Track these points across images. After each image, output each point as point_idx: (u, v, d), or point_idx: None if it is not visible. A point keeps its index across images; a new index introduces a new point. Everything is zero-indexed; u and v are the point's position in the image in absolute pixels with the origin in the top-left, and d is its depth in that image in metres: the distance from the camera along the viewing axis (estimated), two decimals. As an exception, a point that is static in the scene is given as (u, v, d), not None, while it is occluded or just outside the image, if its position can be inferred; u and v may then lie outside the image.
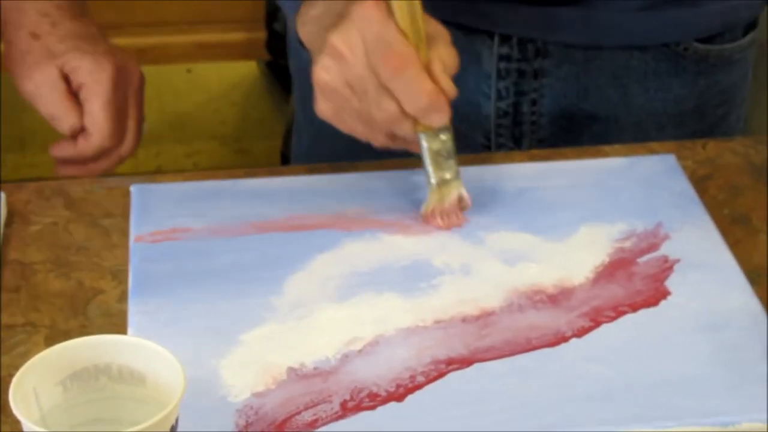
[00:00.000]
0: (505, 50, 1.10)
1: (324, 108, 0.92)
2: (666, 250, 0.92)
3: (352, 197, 0.96)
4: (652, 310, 0.86)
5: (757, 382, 0.80)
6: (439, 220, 0.94)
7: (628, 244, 0.92)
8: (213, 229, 0.92)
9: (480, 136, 1.14)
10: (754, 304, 0.87)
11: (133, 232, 0.92)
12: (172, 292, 0.86)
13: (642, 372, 0.81)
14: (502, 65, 1.10)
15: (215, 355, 0.81)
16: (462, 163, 0.98)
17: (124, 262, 0.90)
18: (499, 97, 1.12)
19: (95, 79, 1.03)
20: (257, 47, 2.40)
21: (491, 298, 0.87)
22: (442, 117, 0.90)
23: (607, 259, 0.91)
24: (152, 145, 2.53)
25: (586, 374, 0.81)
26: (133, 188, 0.97)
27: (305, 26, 0.96)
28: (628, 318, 0.86)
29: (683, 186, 0.98)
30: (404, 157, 1.03)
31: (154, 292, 0.86)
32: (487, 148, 1.14)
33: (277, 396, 0.79)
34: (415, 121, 0.90)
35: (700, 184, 1.00)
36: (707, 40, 1.12)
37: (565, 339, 0.83)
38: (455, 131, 1.09)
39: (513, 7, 1.08)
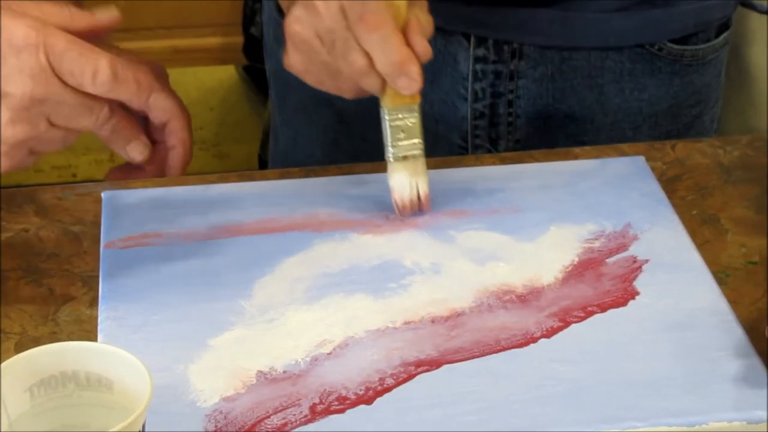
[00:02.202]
0: (481, 52, 1.10)
1: (294, 60, 0.92)
2: (635, 250, 0.92)
3: (324, 200, 0.97)
4: (620, 310, 0.87)
5: (724, 382, 0.81)
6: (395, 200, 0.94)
7: (597, 244, 0.93)
8: (183, 234, 0.93)
9: (456, 137, 1.15)
10: (722, 304, 0.87)
11: (104, 239, 0.92)
12: (142, 297, 0.86)
13: (610, 372, 0.81)
14: (478, 67, 1.11)
15: (185, 360, 0.82)
16: (433, 165, 0.98)
17: (95, 269, 0.90)
18: (476, 99, 1.12)
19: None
20: (234, 52, 2.40)
21: (461, 299, 0.87)
22: (410, 83, 0.89)
23: (576, 260, 0.91)
24: (131, 150, 2.53)
25: (555, 375, 0.81)
26: (104, 195, 0.97)
27: None
28: (597, 318, 0.86)
29: (652, 187, 0.99)
30: (378, 161, 1.04)
31: (124, 297, 0.86)
32: (464, 149, 1.15)
33: (246, 400, 0.79)
34: (383, 90, 0.90)
35: (670, 185, 1.01)
36: (681, 40, 1.12)
37: (534, 340, 0.84)
38: (432, 133, 1.10)
39: (489, 8, 1.08)
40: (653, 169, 1.02)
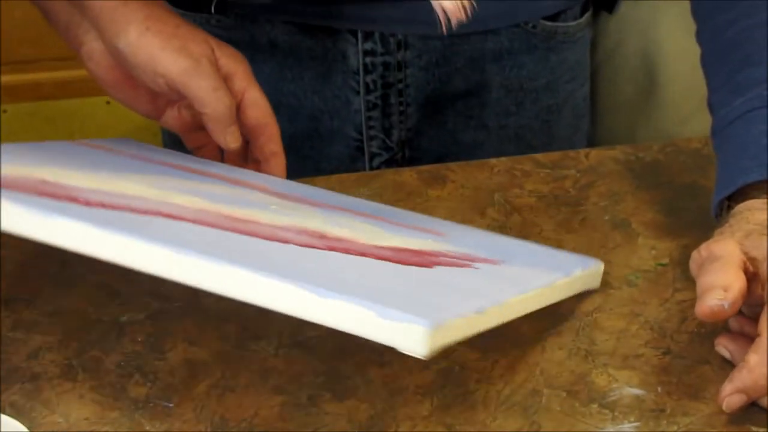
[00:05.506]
0: (369, 45, 1.15)
1: None
2: None
3: None
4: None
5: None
6: None
7: None
8: None
9: (351, 130, 1.20)
10: None
11: None
12: None
13: None
14: (368, 60, 1.16)
15: None
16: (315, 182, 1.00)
17: None
18: (368, 91, 1.17)
19: (245, 69, 1.00)
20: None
21: None
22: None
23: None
24: (76, 177, 2.54)
25: None
26: None
27: None
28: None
29: None
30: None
31: None
32: (359, 141, 1.19)
33: None
34: None
35: (584, 191, 1.04)
36: (553, 17, 1.19)
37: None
38: (327, 129, 1.14)
39: (373, 4, 1.13)
40: (567, 177, 1.04)
